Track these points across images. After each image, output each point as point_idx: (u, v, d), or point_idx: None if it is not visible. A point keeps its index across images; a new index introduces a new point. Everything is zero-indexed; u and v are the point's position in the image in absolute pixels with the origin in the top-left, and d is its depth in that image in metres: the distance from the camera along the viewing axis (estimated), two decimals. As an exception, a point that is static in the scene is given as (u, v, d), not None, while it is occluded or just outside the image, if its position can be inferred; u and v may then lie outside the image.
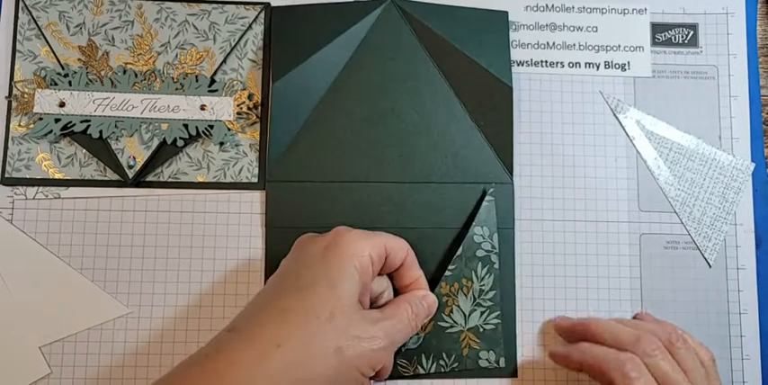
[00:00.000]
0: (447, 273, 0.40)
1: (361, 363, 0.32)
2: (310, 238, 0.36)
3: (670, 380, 0.34)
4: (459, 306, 0.40)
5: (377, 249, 0.34)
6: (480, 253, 0.40)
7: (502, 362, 0.40)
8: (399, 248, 0.36)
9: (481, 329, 0.40)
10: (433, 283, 0.40)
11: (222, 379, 0.30)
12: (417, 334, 0.40)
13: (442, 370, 0.40)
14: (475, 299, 0.40)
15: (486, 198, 0.41)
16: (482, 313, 0.40)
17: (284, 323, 0.31)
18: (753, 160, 0.43)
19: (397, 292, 0.38)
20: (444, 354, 0.40)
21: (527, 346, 0.41)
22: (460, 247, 0.40)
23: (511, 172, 0.42)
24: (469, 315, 0.40)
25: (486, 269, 0.40)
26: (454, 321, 0.40)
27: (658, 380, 0.35)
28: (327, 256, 0.34)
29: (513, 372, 0.40)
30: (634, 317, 0.41)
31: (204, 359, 0.31)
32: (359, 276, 0.33)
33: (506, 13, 0.43)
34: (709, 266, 0.42)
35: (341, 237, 0.34)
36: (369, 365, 0.32)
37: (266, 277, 0.40)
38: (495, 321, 0.40)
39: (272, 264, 0.40)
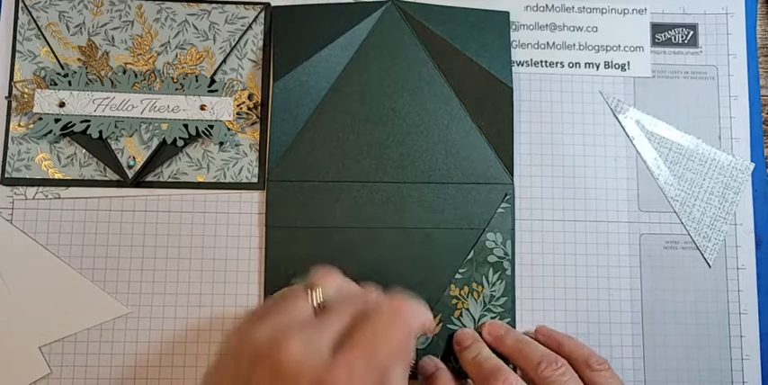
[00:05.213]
0: (457, 275, 0.40)
1: None
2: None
3: None
4: (468, 310, 0.40)
5: None
6: (492, 258, 0.41)
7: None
8: None
9: None
10: (433, 283, 0.40)
11: None
12: (425, 335, 0.40)
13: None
14: (485, 305, 0.40)
15: (502, 204, 0.41)
16: (492, 319, 0.40)
17: None
18: (752, 160, 0.43)
19: None
20: (452, 358, 0.40)
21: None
22: (471, 251, 0.40)
23: (511, 172, 0.42)
24: (479, 320, 0.40)
25: (497, 275, 0.41)
26: (463, 325, 0.40)
27: None
28: None
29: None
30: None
31: None
32: None
33: (507, 13, 0.43)
34: (709, 266, 0.42)
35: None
36: None
37: (266, 277, 0.40)
38: None
39: (271, 264, 0.40)
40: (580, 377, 0.36)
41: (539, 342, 0.39)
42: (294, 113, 0.41)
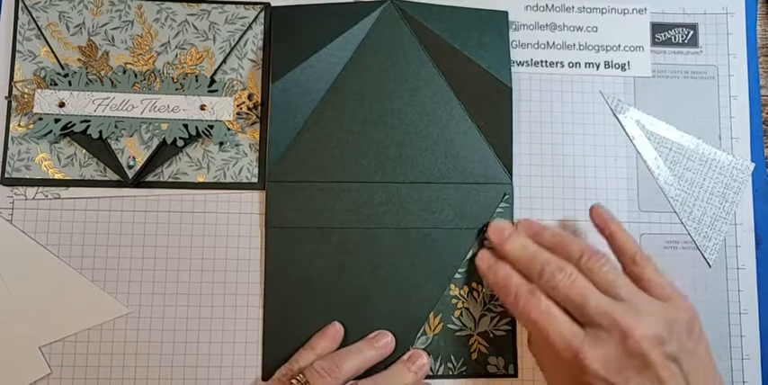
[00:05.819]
0: (457, 275, 0.40)
1: None
2: None
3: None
4: (468, 309, 0.40)
5: None
6: None
7: (511, 369, 0.40)
8: None
9: (491, 334, 0.40)
10: (433, 283, 0.40)
11: None
12: (425, 334, 0.40)
13: (450, 373, 0.40)
14: (485, 304, 0.40)
15: (501, 204, 0.41)
16: (492, 318, 0.40)
17: None
18: (752, 160, 0.43)
19: None
20: (453, 357, 0.40)
21: (527, 346, 0.41)
22: (471, 251, 0.40)
23: (510, 172, 0.42)
24: (479, 319, 0.40)
25: None
26: (463, 324, 0.40)
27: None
28: None
29: (513, 373, 0.40)
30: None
31: None
32: None
33: (506, 13, 0.43)
34: (709, 266, 0.42)
35: None
36: None
37: (266, 277, 0.40)
38: (507, 328, 0.40)
39: (271, 264, 0.40)
40: (624, 269, 0.37)
41: (593, 222, 0.39)
42: (293, 113, 0.41)
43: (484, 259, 0.39)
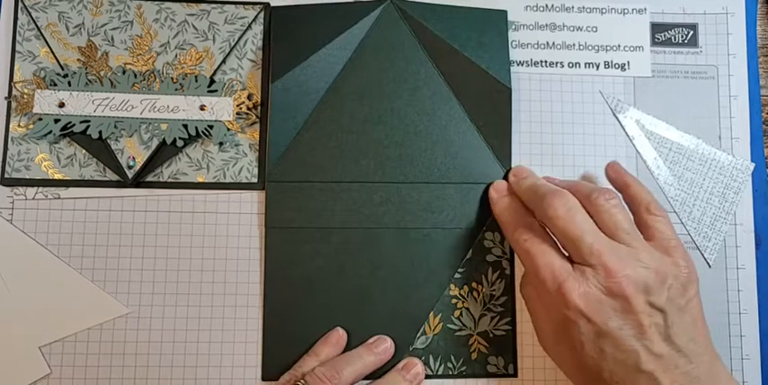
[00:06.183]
0: (457, 275, 0.40)
1: None
2: None
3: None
4: (468, 309, 0.40)
5: None
6: (491, 258, 0.41)
7: (510, 369, 0.40)
8: None
9: (491, 334, 0.40)
10: (433, 283, 0.40)
11: None
12: (425, 334, 0.40)
13: (450, 373, 0.40)
14: (485, 304, 0.40)
15: None
16: (492, 318, 0.40)
17: None
18: (752, 160, 0.43)
19: None
20: (452, 357, 0.40)
21: (527, 346, 0.41)
22: (470, 251, 0.40)
23: (509, 172, 0.42)
24: (479, 319, 0.40)
25: (497, 274, 0.41)
26: (463, 324, 0.40)
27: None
28: None
29: (513, 373, 0.40)
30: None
31: None
32: None
33: (505, 12, 0.43)
34: (709, 266, 0.42)
35: None
36: None
37: (266, 277, 0.40)
38: (507, 327, 0.40)
39: (271, 264, 0.40)
40: (636, 219, 0.36)
41: (608, 177, 0.39)
42: (293, 113, 0.41)
43: (497, 189, 0.40)
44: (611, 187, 0.39)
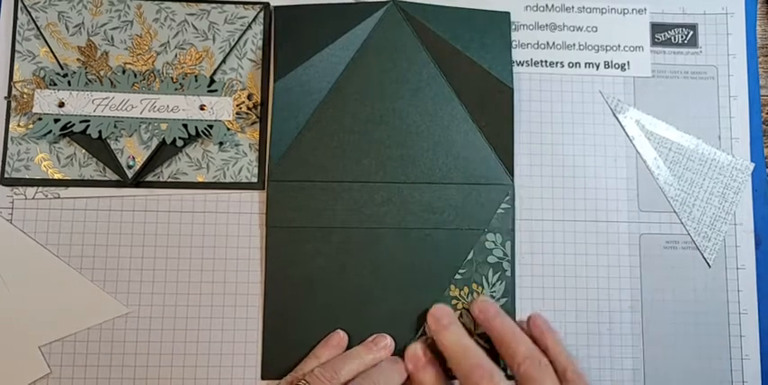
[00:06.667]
0: (457, 276, 0.40)
1: None
2: None
3: None
4: (468, 310, 0.40)
5: None
6: (492, 259, 0.41)
7: (509, 370, 0.40)
8: None
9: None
10: (433, 284, 0.40)
11: None
12: (425, 335, 0.40)
13: (449, 373, 0.40)
14: None
15: (502, 205, 0.41)
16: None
17: None
18: (752, 160, 0.43)
19: None
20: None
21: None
22: (471, 252, 0.40)
23: (511, 173, 0.42)
24: None
25: (497, 276, 0.41)
26: (463, 325, 0.40)
27: None
28: None
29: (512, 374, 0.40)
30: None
31: None
32: None
33: (508, 14, 0.43)
34: (709, 266, 0.42)
35: None
36: None
37: (266, 277, 0.40)
38: None
39: (271, 264, 0.40)
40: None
41: (530, 330, 0.39)
42: (295, 113, 0.41)
43: (412, 356, 0.38)
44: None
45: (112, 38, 0.41)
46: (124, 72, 0.40)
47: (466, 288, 0.40)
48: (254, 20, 0.42)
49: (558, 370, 0.36)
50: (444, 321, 0.38)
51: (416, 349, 0.38)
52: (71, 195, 0.40)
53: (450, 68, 0.42)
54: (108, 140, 0.40)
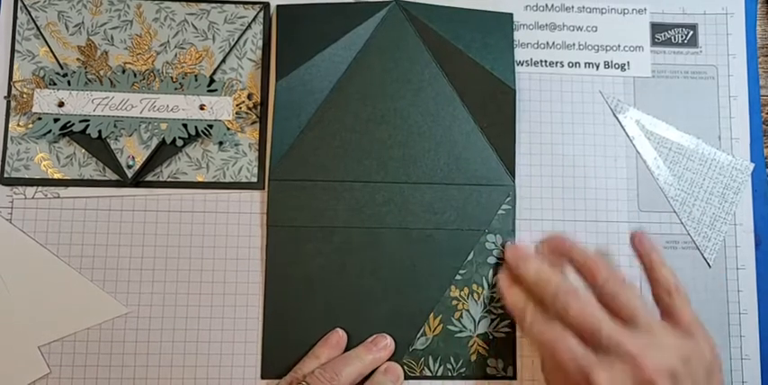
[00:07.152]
0: (457, 277, 0.40)
1: None
2: None
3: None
4: (468, 311, 0.40)
5: None
6: (492, 260, 0.41)
7: (510, 371, 0.40)
8: None
9: (491, 336, 0.40)
10: (433, 284, 0.40)
11: None
12: (425, 335, 0.40)
13: (449, 374, 0.40)
14: (485, 306, 0.40)
15: (503, 206, 0.41)
16: (492, 320, 0.40)
17: None
18: (752, 160, 0.43)
19: None
20: (452, 358, 0.40)
21: (526, 348, 0.41)
22: (471, 252, 0.40)
23: (513, 174, 0.42)
24: (479, 321, 0.40)
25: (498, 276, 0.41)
26: (463, 326, 0.40)
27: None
28: None
29: (512, 375, 0.40)
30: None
31: None
32: None
33: (511, 15, 0.43)
34: (709, 266, 0.42)
35: None
36: None
37: (266, 276, 0.40)
38: (506, 330, 0.40)
39: (272, 264, 0.40)
40: (655, 298, 0.37)
41: (633, 246, 0.39)
42: (296, 112, 0.41)
43: (504, 281, 0.39)
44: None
45: (112, 37, 0.41)
46: (124, 72, 0.40)
47: (466, 288, 0.40)
48: (253, 19, 0.42)
49: (664, 285, 0.37)
50: (521, 255, 0.39)
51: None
52: (71, 195, 0.40)
53: (452, 69, 0.42)
54: (108, 140, 0.40)
